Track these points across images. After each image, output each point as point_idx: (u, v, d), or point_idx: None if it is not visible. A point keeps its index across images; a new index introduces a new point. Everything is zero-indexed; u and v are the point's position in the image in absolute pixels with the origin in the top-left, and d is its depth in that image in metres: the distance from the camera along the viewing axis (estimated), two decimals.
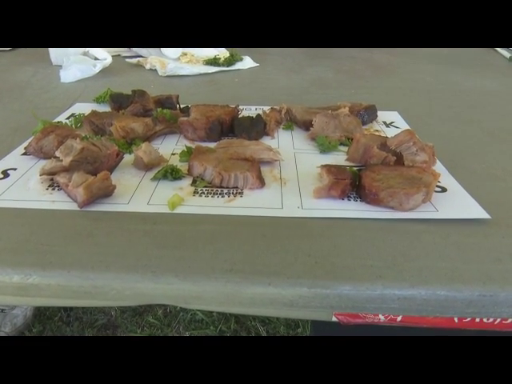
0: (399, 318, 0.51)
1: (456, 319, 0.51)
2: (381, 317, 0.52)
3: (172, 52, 1.28)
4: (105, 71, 1.17)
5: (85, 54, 1.20)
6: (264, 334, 1.42)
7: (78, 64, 1.12)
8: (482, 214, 0.54)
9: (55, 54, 1.23)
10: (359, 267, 0.45)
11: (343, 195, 0.56)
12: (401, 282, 0.43)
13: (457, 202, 0.57)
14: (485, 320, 0.51)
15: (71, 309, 1.51)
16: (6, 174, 0.62)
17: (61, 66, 1.15)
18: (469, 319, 0.50)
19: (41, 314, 1.49)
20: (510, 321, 0.50)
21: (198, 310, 1.45)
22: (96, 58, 1.19)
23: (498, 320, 0.50)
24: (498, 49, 1.52)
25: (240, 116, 0.79)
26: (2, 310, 1.43)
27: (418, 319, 0.52)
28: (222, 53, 1.32)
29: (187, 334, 1.43)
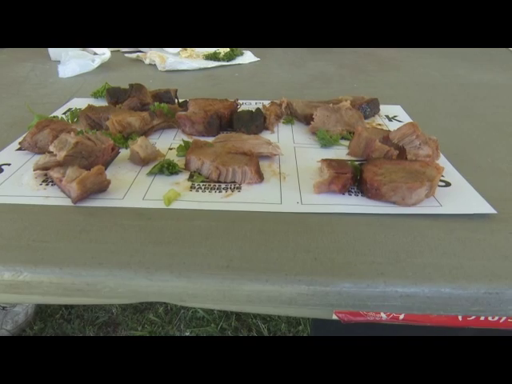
0: (401, 317, 0.50)
1: (460, 317, 0.50)
2: (383, 315, 0.50)
3: None
4: (104, 66, 1.15)
5: (83, 49, 1.18)
6: (265, 331, 1.41)
7: (77, 59, 1.11)
8: (487, 208, 0.52)
9: (54, 49, 1.22)
10: (360, 264, 0.44)
11: (344, 190, 0.55)
12: (403, 279, 0.42)
13: (461, 197, 0.55)
14: (490, 318, 0.49)
15: (72, 306, 1.50)
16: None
17: (59, 61, 1.14)
18: (473, 317, 0.49)
19: (42, 311, 1.49)
20: None
21: (199, 308, 1.44)
22: (95, 53, 1.18)
23: (504, 318, 0.49)
24: None
25: (239, 110, 0.77)
26: (3, 308, 1.42)
27: (420, 317, 0.50)
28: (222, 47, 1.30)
29: (188, 331, 1.42)
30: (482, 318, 0.50)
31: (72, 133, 0.59)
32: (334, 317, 0.51)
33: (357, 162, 0.60)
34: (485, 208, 0.52)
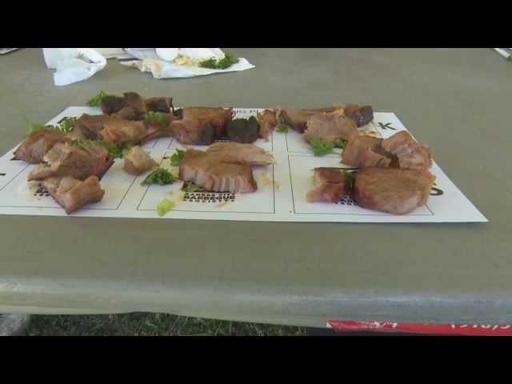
0: (395, 325, 0.50)
1: (453, 325, 0.50)
2: (376, 323, 0.50)
3: (167, 54, 1.27)
4: (99, 74, 1.16)
5: (79, 56, 1.19)
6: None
7: (72, 67, 1.11)
8: (479, 217, 0.53)
9: (50, 56, 1.23)
10: (352, 273, 0.44)
11: (336, 199, 0.55)
12: (394, 289, 0.42)
13: (453, 205, 0.55)
14: (482, 326, 0.50)
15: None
16: None
17: (55, 69, 1.14)
18: (466, 325, 0.49)
19: (38, 318, 1.48)
20: (507, 327, 0.49)
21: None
22: (90, 61, 1.19)
23: (496, 326, 0.49)
24: (497, 48, 1.51)
25: (233, 118, 0.78)
26: None
27: (414, 326, 0.50)
28: (218, 55, 1.31)
29: None
30: (475, 326, 0.50)
31: (66, 143, 0.60)
32: (328, 325, 0.51)
33: (350, 171, 0.61)
34: (476, 216, 0.53)
